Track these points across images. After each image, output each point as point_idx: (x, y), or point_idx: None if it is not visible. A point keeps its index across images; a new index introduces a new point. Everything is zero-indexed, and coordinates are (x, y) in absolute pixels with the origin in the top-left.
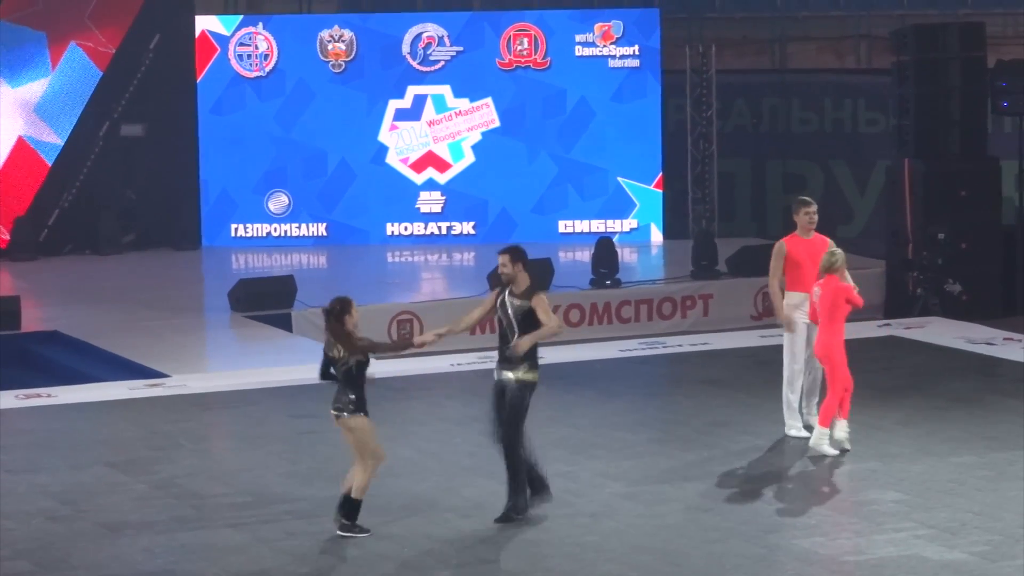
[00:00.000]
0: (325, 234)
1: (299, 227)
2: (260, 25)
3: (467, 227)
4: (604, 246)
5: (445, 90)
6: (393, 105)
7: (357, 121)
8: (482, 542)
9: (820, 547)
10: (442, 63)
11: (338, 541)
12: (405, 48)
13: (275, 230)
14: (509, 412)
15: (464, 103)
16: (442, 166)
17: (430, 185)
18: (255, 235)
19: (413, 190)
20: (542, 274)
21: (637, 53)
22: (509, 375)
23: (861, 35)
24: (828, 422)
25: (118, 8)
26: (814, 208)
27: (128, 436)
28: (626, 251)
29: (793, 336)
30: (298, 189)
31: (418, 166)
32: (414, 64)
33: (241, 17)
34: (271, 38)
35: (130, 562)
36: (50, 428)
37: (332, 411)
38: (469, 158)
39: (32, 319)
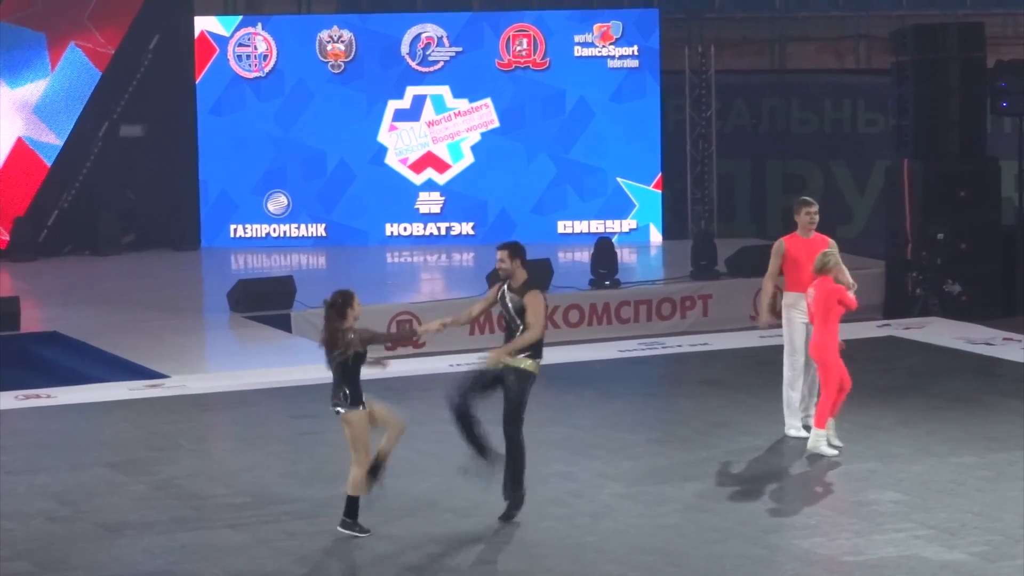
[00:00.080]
0: (324, 235)
1: (298, 228)
2: (259, 26)
3: (466, 228)
4: (603, 246)
5: (444, 91)
6: (392, 105)
7: (356, 122)
8: (482, 543)
9: (820, 547)
10: (441, 63)
11: (338, 542)
12: (404, 48)
13: (274, 231)
14: (510, 405)
15: (463, 104)
16: (441, 167)
17: (429, 186)
18: (254, 236)
19: (412, 191)
20: (541, 274)
21: (636, 53)
22: (510, 363)
23: (860, 35)
24: (824, 423)
25: (117, 9)
26: (815, 208)
27: (128, 437)
28: (625, 251)
29: (793, 336)
30: (297, 190)
31: (417, 167)
32: (413, 65)
33: (240, 18)
34: (270, 39)
35: (130, 563)
36: (50, 429)
37: (331, 407)
38: (468, 159)
39: (31, 320)
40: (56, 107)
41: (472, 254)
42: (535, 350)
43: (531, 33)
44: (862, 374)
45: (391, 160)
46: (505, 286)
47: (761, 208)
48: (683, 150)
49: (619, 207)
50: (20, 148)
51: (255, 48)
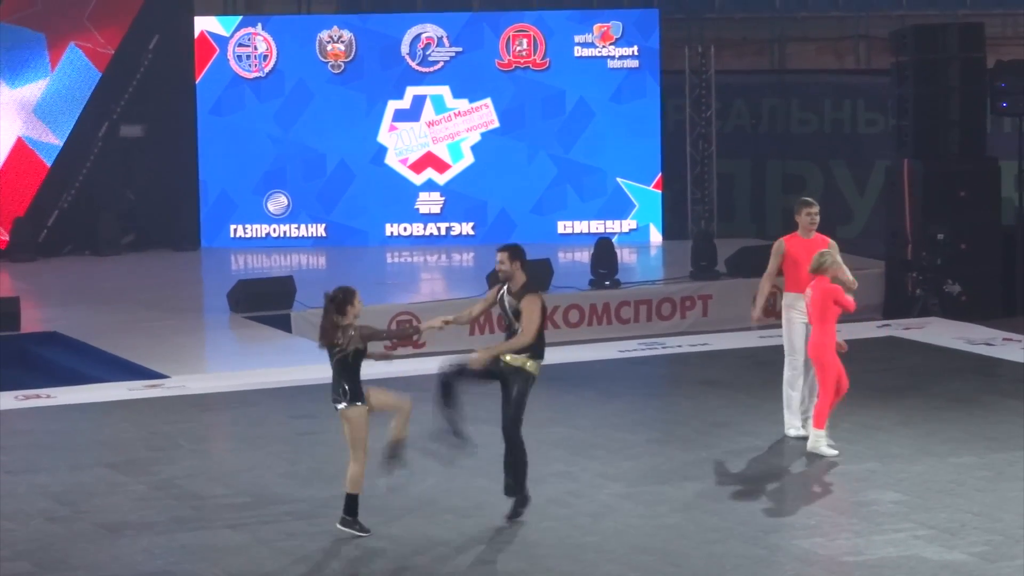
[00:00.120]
0: (324, 235)
1: (298, 228)
2: (259, 26)
3: (466, 228)
4: (603, 247)
5: (444, 91)
6: (392, 106)
7: (356, 122)
8: (482, 543)
9: (820, 548)
10: (441, 64)
11: (338, 542)
12: (404, 49)
13: (274, 231)
14: (509, 406)
15: (463, 104)
16: (441, 167)
17: (429, 186)
18: (254, 236)
19: (412, 191)
20: (541, 275)
21: (636, 54)
22: (511, 363)
23: (860, 35)
24: (823, 423)
25: (117, 9)
26: (816, 209)
27: (128, 437)
28: (625, 252)
29: (792, 336)
30: (297, 190)
31: (417, 167)
32: (413, 65)
33: (240, 18)
34: (270, 39)
35: (130, 563)
36: (49, 429)
37: (332, 403)
38: (468, 159)
39: (31, 320)
40: (56, 107)
41: (472, 254)
42: (536, 351)
43: (531, 33)
44: (862, 374)
45: (391, 160)
46: (504, 288)
47: (761, 208)
48: (683, 150)
49: (619, 207)
50: (20, 148)
51: (255, 48)
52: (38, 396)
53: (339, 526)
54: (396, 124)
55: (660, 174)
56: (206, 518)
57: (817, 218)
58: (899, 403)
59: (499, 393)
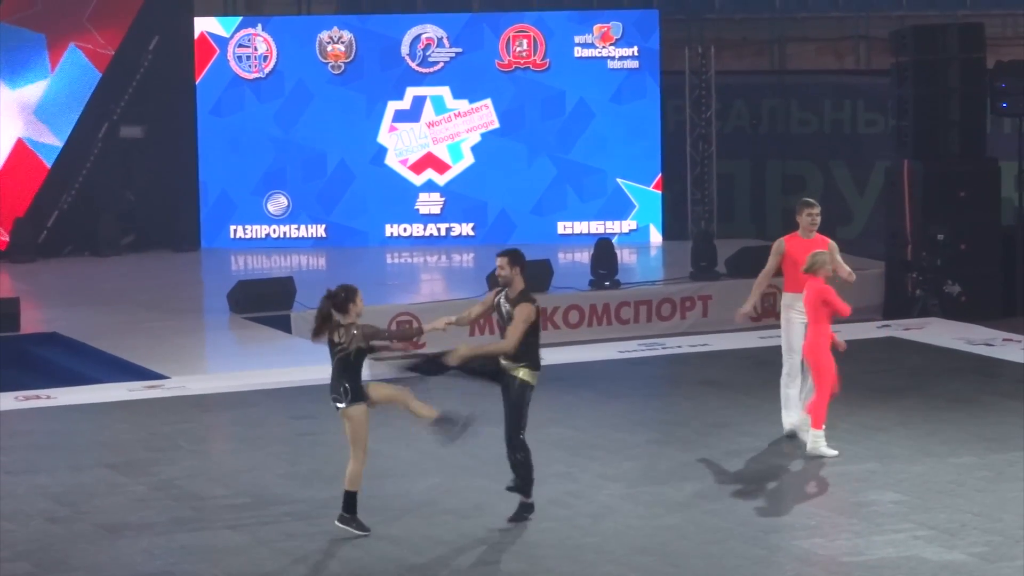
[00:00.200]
0: (324, 235)
1: (298, 228)
2: (259, 26)
3: (466, 228)
4: (603, 247)
5: (444, 91)
6: (392, 106)
7: (356, 122)
8: (482, 543)
9: (819, 548)
10: (441, 64)
11: (337, 542)
12: (404, 49)
13: (274, 231)
14: (509, 412)
15: (463, 104)
16: (441, 167)
17: (429, 186)
18: (254, 236)
19: (412, 191)
20: (541, 275)
21: (636, 54)
22: (508, 371)
23: (860, 36)
24: (821, 424)
25: (117, 10)
26: (817, 210)
27: (127, 438)
28: (625, 252)
29: (791, 336)
30: (297, 190)
31: (417, 167)
32: (413, 65)
33: (240, 18)
34: (270, 39)
35: (129, 563)
36: (49, 430)
37: (331, 401)
38: (468, 159)
39: (31, 321)
40: (56, 108)
41: (472, 255)
42: (531, 362)
43: (531, 34)
44: (862, 375)
45: (391, 161)
46: (503, 294)
47: (761, 209)
48: (683, 151)
49: (619, 208)
50: (20, 149)
51: (255, 49)
52: (38, 397)
53: (337, 523)
54: (396, 125)
55: (660, 175)
56: (206, 519)
57: (818, 219)
58: (899, 404)
59: (499, 393)
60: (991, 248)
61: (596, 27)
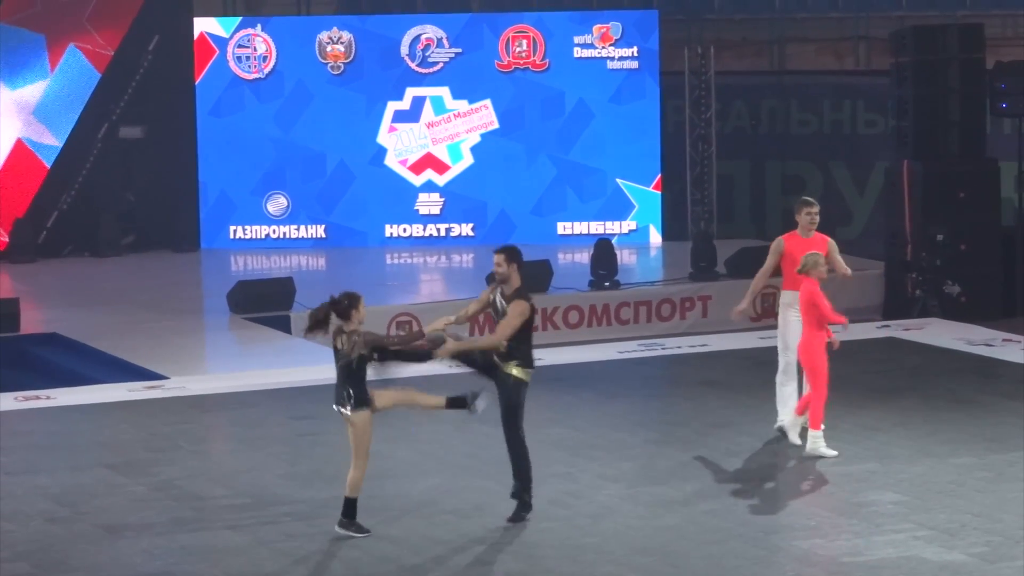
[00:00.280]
0: (324, 236)
1: (298, 229)
2: (259, 27)
3: (466, 229)
4: (603, 248)
5: (444, 92)
6: (392, 107)
7: (356, 123)
8: (482, 544)
9: (819, 548)
10: (441, 65)
11: (337, 543)
12: (404, 50)
13: (274, 232)
14: (505, 411)
15: (463, 105)
16: (441, 168)
17: (429, 187)
18: (254, 237)
19: (412, 192)
20: (541, 276)
21: (636, 55)
22: (502, 368)
23: (860, 36)
24: (819, 424)
25: (117, 10)
26: (816, 209)
27: (127, 438)
28: (625, 253)
29: (787, 331)
30: (297, 191)
31: (417, 168)
32: (413, 66)
33: (240, 19)
34: (270, 40)
35: (129, 564)
36: (49, 430)
37: (335, 407)
38: (468, 160)
39: (31, 321)
40: (55, 108)
41: (472, 255)
42: (524, 359)
43: (531, 34)
44: (862, 375)
45: (391, 161)
46: (499, 291)
47: (761, 209)
48: (683, 151)
49: (619, 208)
50: (20, 149)
51: (254, 49)
52: (38, 397)
53: (337, 528)
54: (396, 125)
55: (660, 175)
56: (206, 519)
57: (817, 218)
58: (899, 404)
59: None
60: (991, 248)
61: (596, 27)
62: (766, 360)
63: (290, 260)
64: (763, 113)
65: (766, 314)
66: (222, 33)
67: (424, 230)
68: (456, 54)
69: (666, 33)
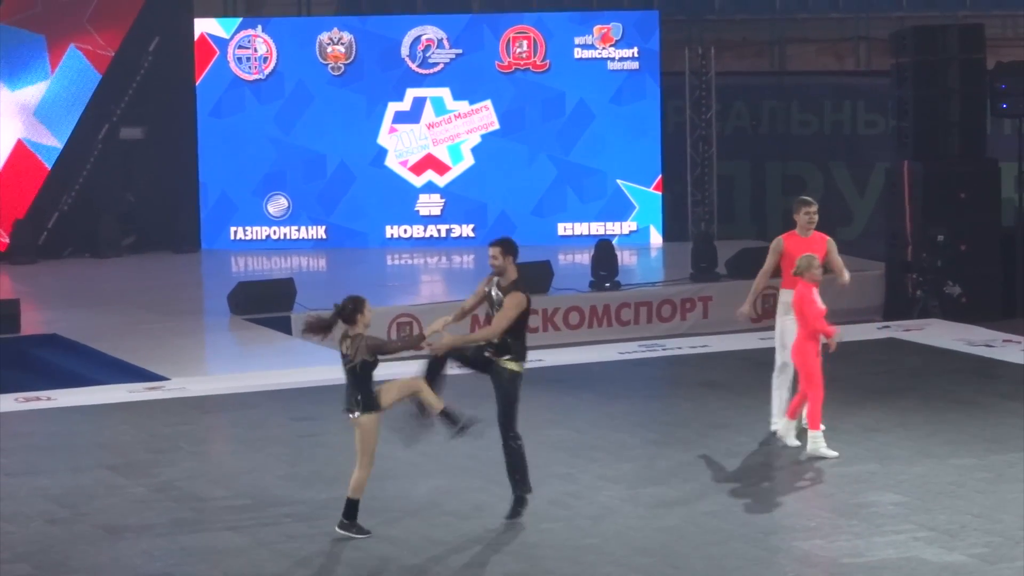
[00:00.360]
0: (324, 237)
1: (298, 230)
2: (259, 28)
3: (466, 230)
4: (603, 248)
5: (444, 92)
6: (392, 108)
7: (356, 124)
8: (482, 544)
9: (819, 549)
10: (441, 65)
11: (338, 544)
12: (404, 50)
13: (274, 233)
14: (500, 404)
15: (463, 105)
16: (441, 169)
17: (429, 188)
18: (254, 238)
19: (412, 193)
20: (542, 277)
21: (636, 55)
22: (497, 363)
23: (860, 37)
24: (818, 424)
25: (117, 11)
26: (814, 208)
27: (127, 439)
28: (625, 253)
29: (785, 334)
30: (297, 192)
31: (417, 169)
32: (413, 67)
33: (240, 20)
34: (270, 41)
35: (130, 565)
36: (49, 431)
37: (344, 411)
38: (468, 161)
39: (31, 322)
40: (56, 109)
41: (472, 256)
42: (518, 354)
43: (531, 35)
44: (862, 376)
45: (391, 162)
46: (494, 283)
47: (761, 210)
48: (683, 152)
49: (619, 209)
50: (20, 150)
51: (255, 50)
52: (38, 398)
53: (338, 529)
54: (396, 126)
55: (660, 176)
56: (206, 520)
57: (815, 217)
58: (899, 405)
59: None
60: (991, 249)
61: (596, 28)
62: (766, 361)
63: (291, 261)
64: (763, 114)
65: (766, 315)
66: (222, 34)
67: (425, 231)
68: (456, 55)
69: (666, 34)
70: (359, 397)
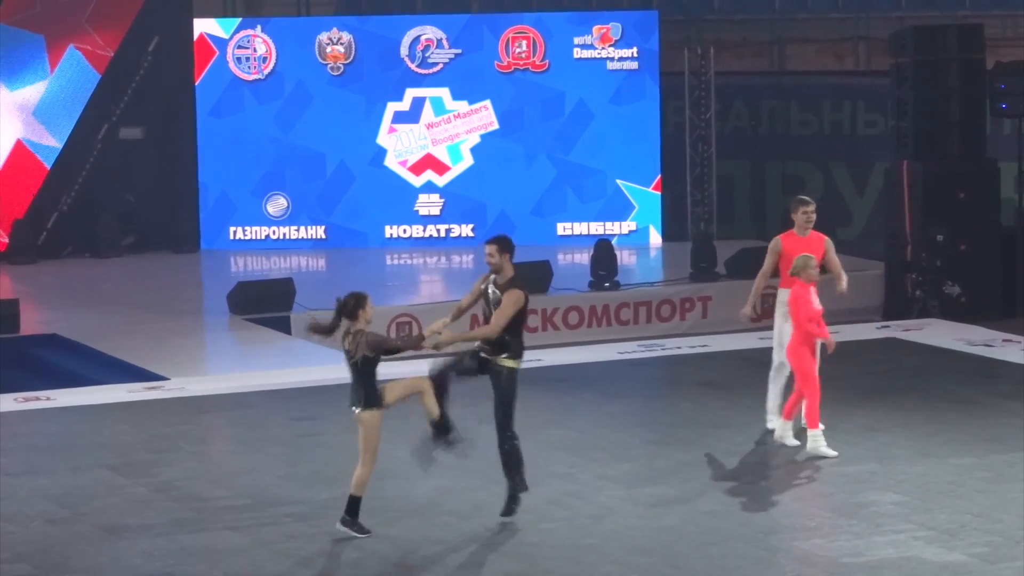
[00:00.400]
0: (324, 237)
1: (298, 230)
2: (258, 28)
3: (466, 229)
4: (603, 248)
5: (444, 92)
6: (392, 108)
7: (356, 124)
8: (482, 544)
9: (819, 549)
10: (440, 65)
11: (338, 544)
12: (403, 50)
13: (274, 233)
14: (497, 401)
15: (463, 105)
16: (441, 168)
17: (429, 188)
18: (254, 238)
19: (412, 193)
20: (541, 277)
21: (636, 55)
22: (493, 362)
23: (860, 37)
24: (816, 423)
25: (116, 11)
26: (812, 207)
27: (127, 439)
28: (625, 253)
29: (783, 329)
30: (297, 192)
31: (417, 169)
32: (412, 67)
33: (239, 20)
34: (269, 41)
35: (129, 565)
36: (49, 431)
37: (349, 406)
38: (468, 160)
39: (31, 322)
40: (55, 109)
41: (471, 256)
42: (515, 352)
43: (530, 35)
44: (862, 375)
45: (390, 162)
46: (491, 281)
47: (761, 210)
48: (682, 152)
49: (619, 209)
50: (19, 150)
51: (254, 50)
52: (38, 398)
53: (339, 526)
54: (395, 126)
55: (659, 176)
56: (206, 520)
57: (814, 216)
58: (899, 404)
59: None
60: (991, 249)
61: (595, 28)
62: (766, 361)
63: (290, 261)
64: (763, 114)
65: (766, 314)
66: (222, 34)
67: (424, 231)
68: (456, 55)
69: (666, 34)
70: (362, 393)
